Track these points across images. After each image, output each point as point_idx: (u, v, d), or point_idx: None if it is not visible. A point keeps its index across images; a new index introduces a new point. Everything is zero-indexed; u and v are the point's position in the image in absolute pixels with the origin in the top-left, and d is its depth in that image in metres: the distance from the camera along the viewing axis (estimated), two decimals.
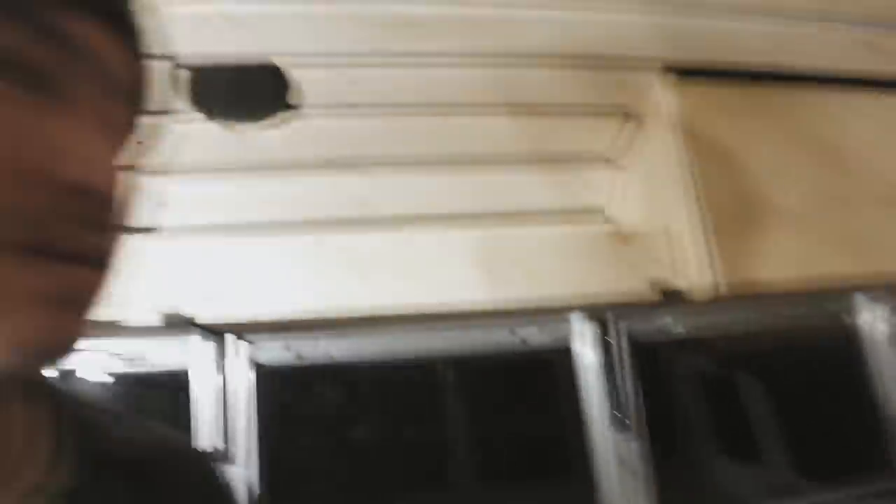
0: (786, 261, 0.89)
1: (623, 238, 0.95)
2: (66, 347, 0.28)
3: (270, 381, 1.01)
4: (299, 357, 1.03)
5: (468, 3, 0.78)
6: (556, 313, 1.01)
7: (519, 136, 1.01)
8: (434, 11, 0.78)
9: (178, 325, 0.86)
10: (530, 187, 1.10)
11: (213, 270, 0.88)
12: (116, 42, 0.30)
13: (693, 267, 0.90)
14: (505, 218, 1.10)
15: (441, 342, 1.05)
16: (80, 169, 0.26)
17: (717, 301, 0.90)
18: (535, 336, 1.07)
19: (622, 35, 0.87)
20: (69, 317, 0.27)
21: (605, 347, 1.04)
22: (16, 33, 0.25)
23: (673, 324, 1.06)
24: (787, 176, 0.94)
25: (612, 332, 1.03)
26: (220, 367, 0.98)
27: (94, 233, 0.28)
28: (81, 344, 0.28)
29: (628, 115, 1.02)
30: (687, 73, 0.93)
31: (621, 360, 1.04)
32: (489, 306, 0.90)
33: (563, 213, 1.14)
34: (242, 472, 0.94)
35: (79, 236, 0.27)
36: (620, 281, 0.93)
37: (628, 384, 1.05)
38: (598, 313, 1.04)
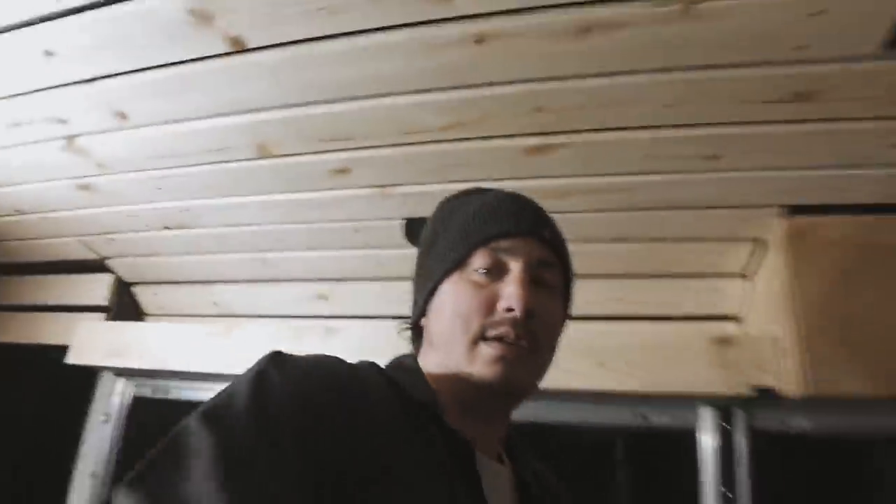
0: (875, 376, 1.01)
1: (739, 341, 1.15)
2: (515, 388, 0.57)
3: None
4: None
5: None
6: (682, 399, 1.23)
7: (666, 257, 1.29)
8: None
9: None
10: (672, 297, 1.35)
11: None
12: (532, 241, 0.60)
13: (789, 372, 1.06)
14: (650, 319, 1.38)
15: (573, 414, 1.29)
16: (508, 302, 0.56)
17: (805, 401, 1.03)
18: (660, 419, 1.29)
19: (746, 185, 1.10)
20: (515, 372, 0.56)
21: (724, 434, 1.21)
22: (490, 256, 0.59)
23: (791, 419, 1.19)
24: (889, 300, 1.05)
25: (733, 421, 1.20)
26: None
27: (523, 331, 0.56)
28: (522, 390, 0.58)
29: (756, 241, 1.22)
30: (802, 210, 1.12)
31: (738, 447, 1.19)
32: (622, 388, 1.16)
33: (701, 318, 1.36)
34: None
35: (514, 333, 0.56)
36: (733, 377, 1.12)
37: (742, 469, 1.21)
38: (721, 403, 1.22)
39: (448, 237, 0.64)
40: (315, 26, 0.83)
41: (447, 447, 0.52)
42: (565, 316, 0.66)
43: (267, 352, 0.49)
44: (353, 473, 0.44)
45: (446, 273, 0.62)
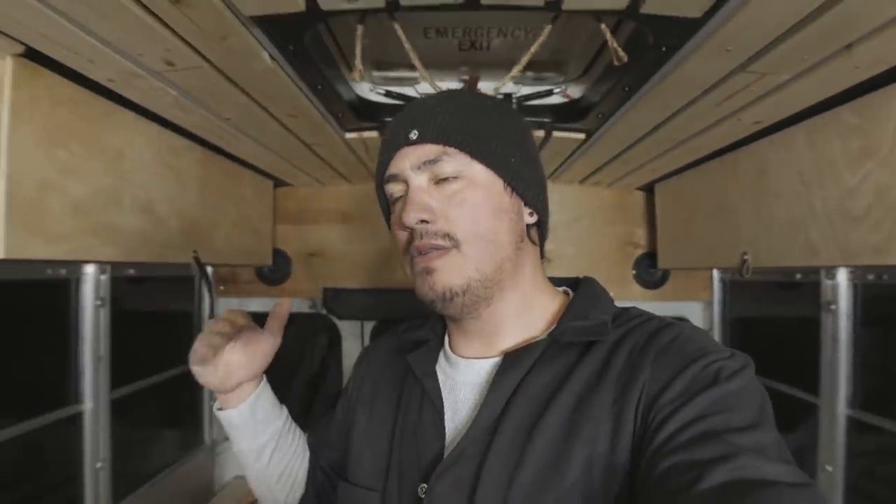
0: None
1: None
2: (444, 293, 0.59)
3: None
4: None
5: None
6: None
7: None
8: None
9: None
10: None
11: None
12: (406, 152, 0.61)
13: None
14: None
15: None
16: (402, 222, 0.59)
17: None
18: None
19: None
20: (436, 278, 0.59)
21: None
22: (389, 189, 0.63)
23: None
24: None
25: None
26: None
27: (433, 237, 0.58)
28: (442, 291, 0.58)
29: None
30: None
31: None
32: None
33: None
34: None
35: (420, 244, 0.59)
36: None
37: None
38: None
39: None
40: None
41: (406, 367, 0.71)
42: (504, 182, 0.61)
43: None
44: (354, 398, 0.78)
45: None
